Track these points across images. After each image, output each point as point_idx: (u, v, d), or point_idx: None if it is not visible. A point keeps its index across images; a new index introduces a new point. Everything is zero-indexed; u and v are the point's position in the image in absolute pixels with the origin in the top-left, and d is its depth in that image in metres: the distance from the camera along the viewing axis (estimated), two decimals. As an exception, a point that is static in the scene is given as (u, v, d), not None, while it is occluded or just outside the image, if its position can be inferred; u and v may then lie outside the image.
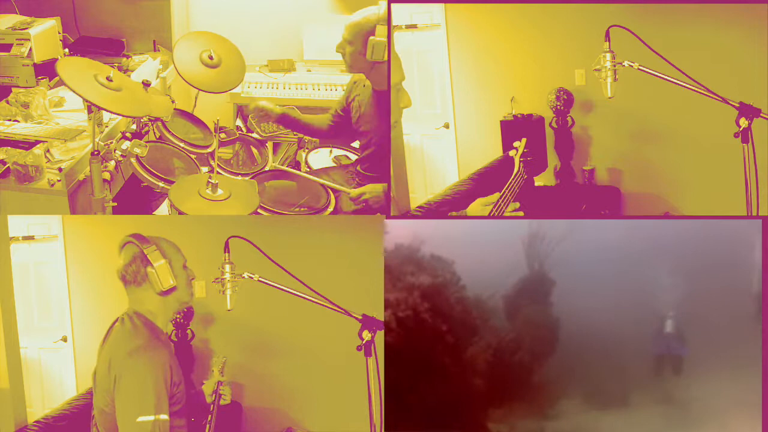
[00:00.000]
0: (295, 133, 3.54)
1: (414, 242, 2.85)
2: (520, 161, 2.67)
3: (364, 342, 2.33)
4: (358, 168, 3.31)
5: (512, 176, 2.64)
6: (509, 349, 2.86)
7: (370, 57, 2.95)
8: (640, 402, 2.84)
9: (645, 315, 2.85)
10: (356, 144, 3.66)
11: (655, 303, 2.85)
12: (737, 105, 2.47)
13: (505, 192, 2.59)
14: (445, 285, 2.84)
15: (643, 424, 2.82)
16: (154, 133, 3.29)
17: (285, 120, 3.43)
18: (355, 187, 3.21)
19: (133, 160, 3.00)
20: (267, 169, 3.39)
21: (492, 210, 2.55)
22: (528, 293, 2.89)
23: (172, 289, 2.27)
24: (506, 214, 2.57)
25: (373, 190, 3.07)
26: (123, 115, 2.90)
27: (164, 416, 2.17)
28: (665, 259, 2.84)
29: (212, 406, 2.47)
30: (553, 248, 2.87)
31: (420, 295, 2.81)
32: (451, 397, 2.82)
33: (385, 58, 2.92)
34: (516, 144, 2.69)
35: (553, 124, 3.38)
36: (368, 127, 3.20)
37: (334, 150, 3.69)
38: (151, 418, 2.15)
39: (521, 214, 2.60)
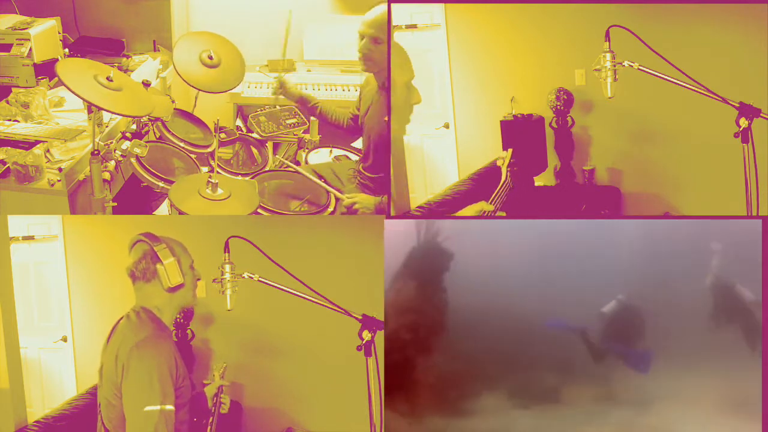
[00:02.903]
0: (295, 133, 3.53)
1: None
2: (507, 171, 2.68)
3: (364, 342, 2.34)
4: (361, 167, 3.31)
5: (499, 186, 2.65)
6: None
7: None
8: (548, 397, 2.68)
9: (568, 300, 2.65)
10: (357, 144, 3.66)
11: (582, 290, 2.66)
12: (737, 105, 2.47)
13: (493, 200, 2.60)
14: None
15: (539, 424, 2.68)
16: (154, 133, 3.29)
17: (304, 102, 3.50)
18: (356, 186, 3.22)
19: (133, 160, 3.00)
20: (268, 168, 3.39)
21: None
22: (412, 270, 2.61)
23: (180, 286, 2.32)
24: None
25: (365, 202, 3.09)
26: (123, 115, 2.90)
27: (170, 406, 2.21)
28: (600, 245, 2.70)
29: (213, 408, 2.51)
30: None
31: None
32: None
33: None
34: (502, 154, 2.69)
35: (553, 124, 3.38)
36: (372, 124, 3.21)
37: (334, 150, 3.69)
38: (158, 407, 2.18)
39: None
